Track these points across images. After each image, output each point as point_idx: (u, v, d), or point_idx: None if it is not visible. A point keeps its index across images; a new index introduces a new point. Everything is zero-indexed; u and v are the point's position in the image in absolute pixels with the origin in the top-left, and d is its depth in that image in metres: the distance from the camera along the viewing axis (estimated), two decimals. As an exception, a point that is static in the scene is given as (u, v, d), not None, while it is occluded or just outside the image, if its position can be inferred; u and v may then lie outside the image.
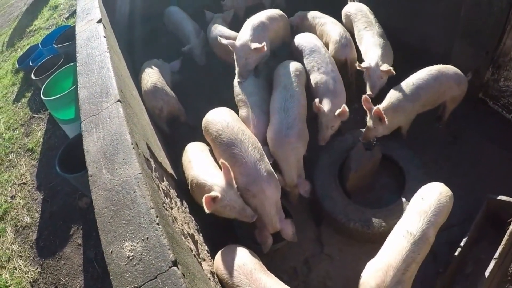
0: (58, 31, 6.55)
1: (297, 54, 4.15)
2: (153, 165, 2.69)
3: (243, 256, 2.62)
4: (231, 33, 4.63)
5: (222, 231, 3.39)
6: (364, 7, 4.34)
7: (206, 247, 2.90)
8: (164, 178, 2.90)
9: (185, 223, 2.77)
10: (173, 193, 2.93)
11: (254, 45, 3.82)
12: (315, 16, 4.59)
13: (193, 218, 3.07)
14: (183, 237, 2.41)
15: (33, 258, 4.30)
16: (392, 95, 3.57)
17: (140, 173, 2.17)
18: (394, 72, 3.68)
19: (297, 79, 3.66)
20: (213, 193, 2.71)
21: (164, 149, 3.61)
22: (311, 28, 4.54)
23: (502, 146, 3.75)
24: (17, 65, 7.15)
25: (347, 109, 3.42)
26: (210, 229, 3.29)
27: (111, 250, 2.01)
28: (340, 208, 3.27)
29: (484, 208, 3.13)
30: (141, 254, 1.91)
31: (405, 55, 4.39)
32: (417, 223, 2.67)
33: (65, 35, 5.98)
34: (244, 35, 3.98)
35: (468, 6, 3.76)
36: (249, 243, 3.12)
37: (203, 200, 2.64)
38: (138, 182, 2.14)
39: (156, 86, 3.88)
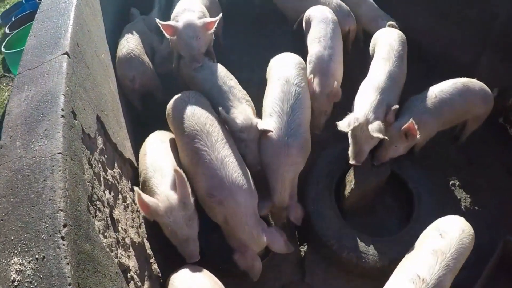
0: (43, -15, 5.68)
1: (306, 28, 3.42)
2: (99, 146, 1.88)
3: (201, 285, 1.83)
4: None
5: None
6: (395, 37, 3.20)
7: (155, 262, 2.11)
8: (116, 165, 2.10)
9: (132, 226, 1.98)
10: (125, 184, 2.13)
11: (202, 21, 2.88)
12: None
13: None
14: (118, 251, 1.62)
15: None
16: (413, 107, 2.83)
17: (59, 153, 1.37)
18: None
19: (303, 72, 2.84)
20: (149, 200, 1.95)
21: (130, 130, 2.79)
22: (300, 2, 3.81)
23: (522, 180, 3.08)
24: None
25: (340, 89, 2.88)
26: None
27: (-6, 263, 1.22)
28: (334, 231, 2.49)
29: (499, 250, 2.58)
30: (30, 282, 1.12)
31: (425, 61, 3.78)
32: (432, 267, 1.99)
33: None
34: (185, 15, 3.00)
35: (505, 16, 3.21)
36: (216, 260, 2.34)
37: (136, 196, 1.92)
38: (53, 166, 1.34)
39: (132, 53, 3.05)
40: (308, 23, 3.43)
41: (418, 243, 2.19)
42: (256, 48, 4.06)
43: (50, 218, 1.20)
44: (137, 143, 2.71)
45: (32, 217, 1.24)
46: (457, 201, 3.02)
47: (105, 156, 1.94)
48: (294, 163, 2.45)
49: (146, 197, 1.94)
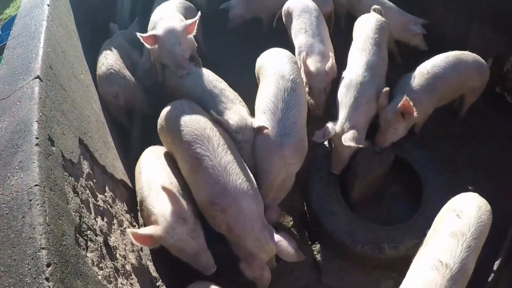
0: (20, 16, 5.54)
1: (287, 21, 3.34)
2: (86, 170, 1.75)
3: None
4: None
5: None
6: (372, 24, 3.01)
7: (163, 284, 1.97)
8: (107, 188, 1.96)
9: (132, 251, 1.84)
10: (119, 208, 2.00)
11: (183, 24, 2.75)
12: None
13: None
14: (118, 281, 1.48)
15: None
16: (405, 86, 2.71)
17: (36, 185, 1.24)
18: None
19: (296, 66, 2.71)
20: (146, 231, 1.79)
21: (120, 149, 2.66)
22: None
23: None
24: (-24, 53, 6.09)
25: (335, 64, 2.85)
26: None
27: (-21, 317, 1.08)
28: (344, 226, 2.37)
29: (513, 230, 2.47)
30: (17, 334, 0.99)
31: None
32: (453, 250, 1.84)
33: (26, 20, 4.96)
34: (164, 23, 2.88)
35: (493, -16, 3.13)
36: (226, 272, 2.20)
37: (132, 237, 1.72)
38: (30, 200, 1.20)
39: (112, 69, 2.91)
40: (289, 16, 3.32)
41: (434, 226, 2.05)
42: (242, 50, 3.94)
43: (32, 259, 1.07)
44: (130, 161, 2.57)
45: (14, 259, 1.11)
46: (465, 178, 2.88)
47: (94, 180, 1.81)
48: (288, 164, 2.30)
49: (141, 231, 1.78)
